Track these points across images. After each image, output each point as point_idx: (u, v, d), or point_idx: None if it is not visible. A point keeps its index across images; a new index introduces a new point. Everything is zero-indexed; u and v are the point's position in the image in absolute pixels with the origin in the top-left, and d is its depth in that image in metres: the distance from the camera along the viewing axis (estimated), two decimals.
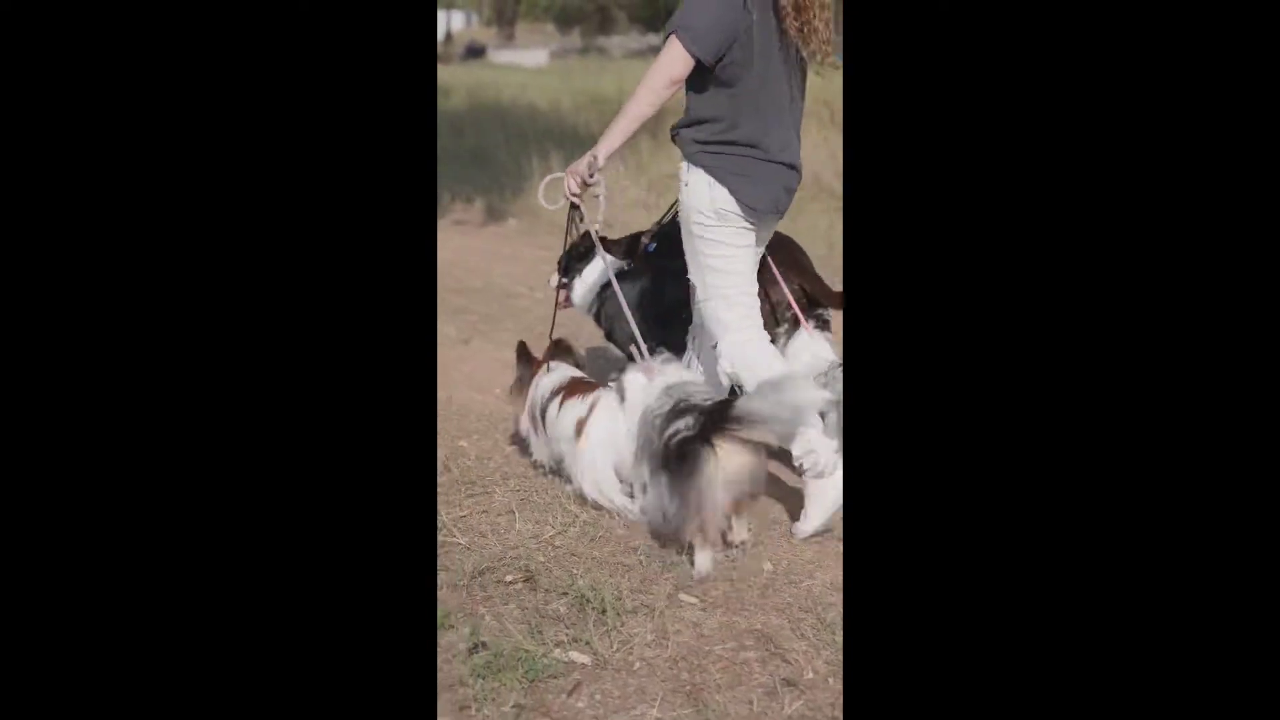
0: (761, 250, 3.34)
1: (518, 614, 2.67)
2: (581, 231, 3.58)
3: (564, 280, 4.00)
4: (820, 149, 8.44)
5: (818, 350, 3.45)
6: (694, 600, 2.75)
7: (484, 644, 2.49)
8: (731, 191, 3.05)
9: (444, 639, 2.54)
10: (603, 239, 3.81)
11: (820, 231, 6.71)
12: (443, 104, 17.71)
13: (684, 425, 2.79)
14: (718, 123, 3.04)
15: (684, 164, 3.12)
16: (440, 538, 3.09)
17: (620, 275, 3.82)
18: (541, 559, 2.96)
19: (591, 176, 3.18)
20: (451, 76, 19.32)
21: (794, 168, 3.15)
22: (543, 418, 3.41)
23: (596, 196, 3.38)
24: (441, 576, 2.85)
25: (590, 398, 3.29)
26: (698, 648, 2.52)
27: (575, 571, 2.87)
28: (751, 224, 3.11)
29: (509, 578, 2.86)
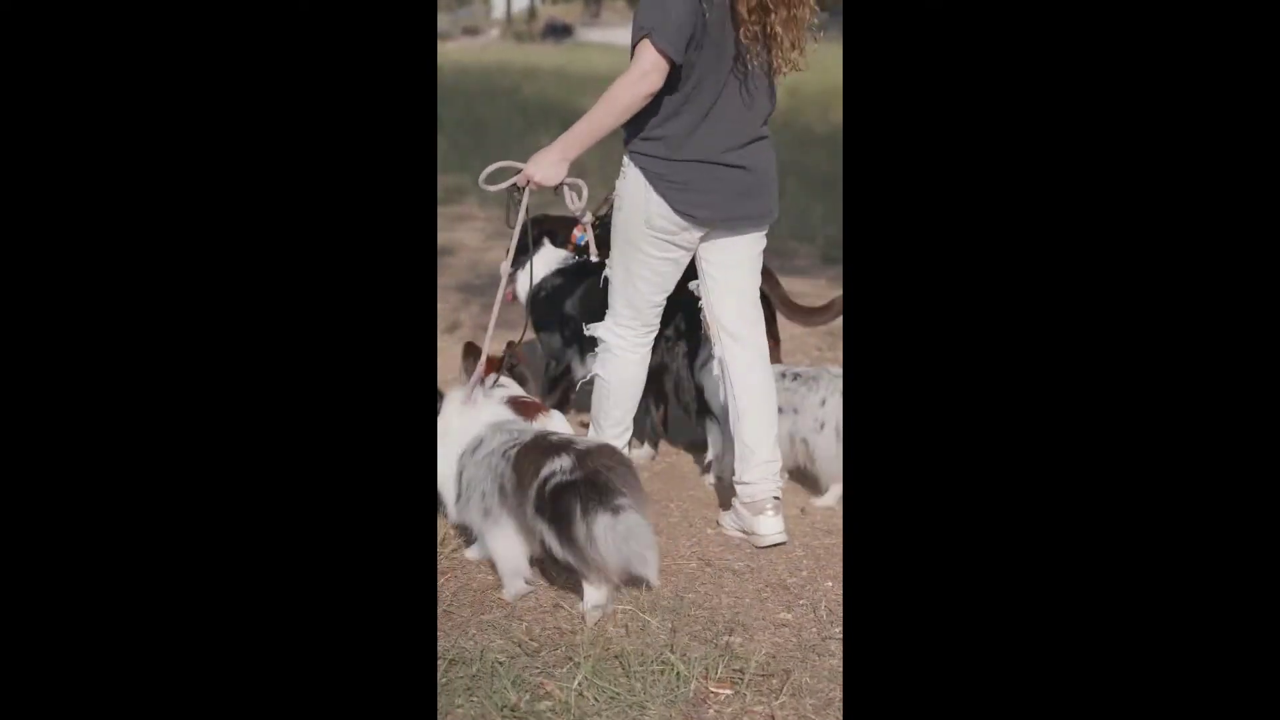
0: (725, 257, 3.12)
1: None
2: (522, 220, 3.20)
3: (512, 271, 3.72)
4: None
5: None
6: None
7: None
8: (668, 202, 2.94)
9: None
10: (548, 222, 3.86)
11: None
12: (529, 87, 17.66)
13: (560, 468, 2.64)
14: (653, 117, 2.91)
15: (625, 156, 3.02)
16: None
17: (567, 269, 3.81)
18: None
19: (557, 192, 3.05)
20: (542, 56, 19.14)
21: (744, 168, 2.99)
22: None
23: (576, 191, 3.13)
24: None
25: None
26: None
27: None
28: (683, 238, 3.01)
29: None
